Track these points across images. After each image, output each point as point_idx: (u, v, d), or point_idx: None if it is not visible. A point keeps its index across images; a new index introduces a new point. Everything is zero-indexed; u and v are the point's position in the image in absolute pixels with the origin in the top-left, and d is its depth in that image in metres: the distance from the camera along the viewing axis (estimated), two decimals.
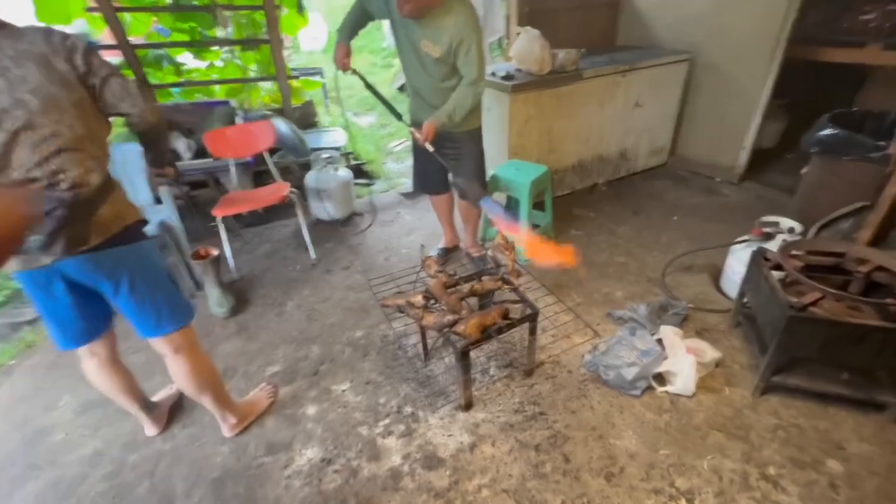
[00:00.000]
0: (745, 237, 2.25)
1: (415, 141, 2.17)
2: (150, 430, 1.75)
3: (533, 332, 1.78)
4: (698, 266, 2.56)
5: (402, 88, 6.20)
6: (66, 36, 1.18)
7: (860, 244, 1.91)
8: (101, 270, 1.23)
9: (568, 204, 3.27)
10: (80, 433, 1.80)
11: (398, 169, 4.36)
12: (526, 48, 2.83)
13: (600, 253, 2.75)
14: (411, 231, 3.13)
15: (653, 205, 3.28)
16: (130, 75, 3.10)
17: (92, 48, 1.22)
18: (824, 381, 1.68)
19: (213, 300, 2.36)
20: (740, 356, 1.96)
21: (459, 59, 1.91)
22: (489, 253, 2.02)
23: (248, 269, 2.79)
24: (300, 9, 3.81)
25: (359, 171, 4.02)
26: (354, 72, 2.15)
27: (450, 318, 1.61)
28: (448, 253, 2.78)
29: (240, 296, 2.53)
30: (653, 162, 3.77)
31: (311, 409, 1.84)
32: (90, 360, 1.51)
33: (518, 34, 2.95)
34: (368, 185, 3.95)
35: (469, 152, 2.21)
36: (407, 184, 3.88)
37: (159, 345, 1.45)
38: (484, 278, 1.88)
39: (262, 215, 3.32)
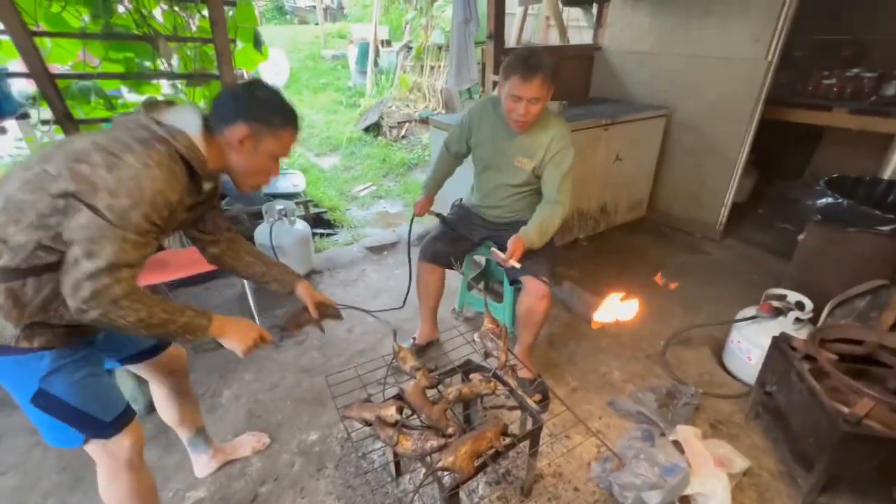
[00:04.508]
0: (753, 313, 2.04)
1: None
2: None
3: (535, 447, 1.43)
4: (697, 338, 2.34)
5: (367, 129, 5.93)
6: None
7: (883, 327, 1.73)
8: None
9: None
10: None
11: (363, 216, 4.01)
12: None
13: None
14: (378, 293, 2.75)
15: (636, 263, 3.09)
16: (45, 106, 2.61)
17: None
18: (874, 502, 1.43)
19: (126, 393, 1.84)
20: (766, 459, 1.69)
21: (548, 172, 1.80)
22: (475, 338, 1.68)
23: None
24: (257, 44, 3.49)
25: (318, 220, 3.62)
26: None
27: (433, 443, 1.23)
28: (423, 351, 2.20)
29: None
30: (632, 216, 3.63)
31: None
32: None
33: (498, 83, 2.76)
34: (329, 235, 3.56)
35: (543, 251, 1.83)
36: (374, 235, 3.53)
37: None
38: (472, 376, 1.52)
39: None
